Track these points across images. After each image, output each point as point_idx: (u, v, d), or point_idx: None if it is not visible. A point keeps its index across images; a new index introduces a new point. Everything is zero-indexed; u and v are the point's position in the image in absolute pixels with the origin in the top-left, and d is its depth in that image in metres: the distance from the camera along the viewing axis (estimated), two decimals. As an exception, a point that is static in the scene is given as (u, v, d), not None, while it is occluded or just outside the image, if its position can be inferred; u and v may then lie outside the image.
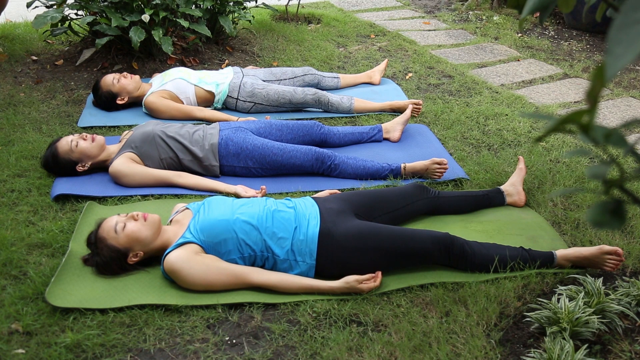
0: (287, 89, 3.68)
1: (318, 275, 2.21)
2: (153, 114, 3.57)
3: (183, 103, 3.61)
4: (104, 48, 4.25)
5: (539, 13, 1.06)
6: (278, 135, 3.12)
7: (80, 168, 2.90)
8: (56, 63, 4.32)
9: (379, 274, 2.17)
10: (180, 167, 2.95)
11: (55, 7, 4.07)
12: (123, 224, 2.19)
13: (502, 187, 2.77)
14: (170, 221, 2.38)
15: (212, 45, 4.65)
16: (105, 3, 4.06)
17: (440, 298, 2.12)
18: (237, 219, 2.20)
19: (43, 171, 2.94)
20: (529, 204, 2.78)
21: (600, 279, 2.07)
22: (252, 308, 2.09)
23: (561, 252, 2.29)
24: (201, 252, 2.16)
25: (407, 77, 4.38)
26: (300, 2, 5.76)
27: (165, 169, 2.92)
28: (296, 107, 3.70)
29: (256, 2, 4.93)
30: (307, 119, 3.52)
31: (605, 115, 3.84)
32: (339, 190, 2.78)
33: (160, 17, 3.95)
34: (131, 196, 2.79)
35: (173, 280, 2.15)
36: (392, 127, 3.39)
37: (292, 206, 2.31)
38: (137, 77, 3.69)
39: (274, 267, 2.21)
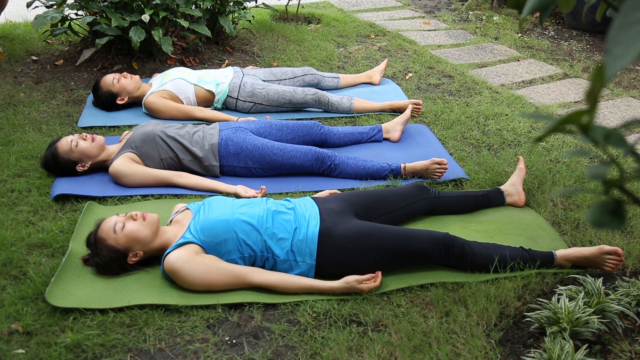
0: (287, 89, 3.68)
1: (318, 275, 2.22)
2: (153, 114, 3.57)
3: (183, 103, 3.61)
4: (104, 48, 4.25)
5: (539, 13, 1.06)
6: (278, 135, 3.12)
7: (80, 168, 2.90)
8: (56, 63, 4.32)
9: (379, 274, 2.17)
10: (180, 167, 2.95)
11: (55, 7, 4.07)
12: (122, 224, 2.19)
13: (502, 187, 2.77)
14: (170, 221, 2.38)
15: (212, 45, 4.65)
16: (105, 3, 4.06)
17: (440, 298, 2.12)
18: (237, 219, 2.20)
19: (43, 171, 2.94)
20: (529, 204, 2.78)
21: (600, 279, 2.07)
22: (252, 308, 2.09)
23: (561, 252, 2.29)
24: (201, 252, 2.16)
25: (407, 77, 4.38)
26: (300, 2, 5.76)
27: (165, 169, 2.92)
28: (296, 107, 3.70)
29: (256, 2, 4.93)
30: (307, 119, 3.52)
31: (605, 115, 3.84)
32: (339, 190, 2.78)
33: (160, 17, 3.95)
34: (131, 196, 2.79)
35: (173, 280, 2.15)
36: (392, 127, 3.39)
37: (292, 207, 2.31)
38: (137, 77, 3.69)
39: (274, 268, 2.21)
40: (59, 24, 4.15)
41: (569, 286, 2.11)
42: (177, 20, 4.03)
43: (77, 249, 2.33)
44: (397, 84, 4.24)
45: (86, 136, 2.92)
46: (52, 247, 2.39)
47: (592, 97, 0.74)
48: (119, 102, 3.63)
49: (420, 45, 5.14)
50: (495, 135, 3.45)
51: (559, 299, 1.99)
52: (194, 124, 3.21)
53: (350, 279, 2.12)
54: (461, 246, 2.24)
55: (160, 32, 3.93)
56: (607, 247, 2.23)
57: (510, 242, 2.43)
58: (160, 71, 4.16)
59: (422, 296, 2.15)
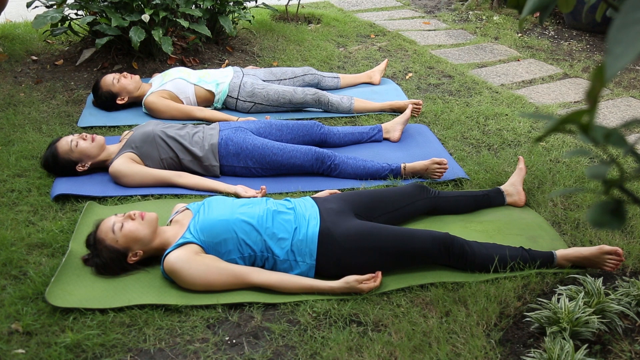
0: (287, 89, 3.68)
1: (318, 275, 2.21)
2: (153, 114, 3.57)
3: (183, 103, 3.61)
4: (104, 48, 4.25)
5: (539, 13, 1.06)
6: (278, 135, 3.12)
7: (80, 168, 2.90)
8: (56, 63, 4.32)
9: (379, 274, 2.17)
10: (180, 167, 2.95)
11: (55, 7, 4.07)
12: (120, 224, 2.19)
13: (502, 187, 2.77)
14: (170, 221, 2.38)
15: (212, 45, 4.65)
16: (105, 3, 4.06)
17: (440, 298, 2.12)
18: (237, 219, 2.20)
19: (43, 171, 2.94)
20: (529, 204, 2.78)
21: (600, 279, 2.07)
22: (252, 308, 2.09)
23: (561, 252, 2.29)
24: (201, 252, 2.16)
25: (407, 77, 4.38)
26: (300, 2, 5.76)
27: (165, 169, 2.92)
28: (296, 107, 3.70)
29: (256, 2, 4.93)
30: (307, 119, 3.52)
31: (605, 115, 3.84)
32: (339, 190, 2.78)
33: (160, 17, 3.95)
34: (131, 196, 2.79)
35: (173, 280, 2.15)
36: (392, 127, 3.39)
37: (292, 207, 2.31)
38: (137, 77, 3.69)
39: (274, 268, 2.21)
40: (59, 24, 4.15)
41: (569, 286, 2.11)
42: (177, 20, 4.02)
43: (77, 249, 2.33)
44: (397, 84, 4.23)
45: (86, 136, 2.92)
46: (52, 247, 2.39)
47: (592, 97, 0.74)
48: (119, 102, 3.63)
49: (420, 45, 5.14)
50: (495, 135, 3.45)
51: (559, 299, 1.99)
52: (194, 124, 3.21)
53: (350, 279, 2.12)
54: (461, 246, 2.24)
55: (160, 32, 3.93)
56: (607, 247, 2.23)
57: (510, 242, 2.43)
58: (160, 71, 4.16)
59: (422, 296, 2.15)
